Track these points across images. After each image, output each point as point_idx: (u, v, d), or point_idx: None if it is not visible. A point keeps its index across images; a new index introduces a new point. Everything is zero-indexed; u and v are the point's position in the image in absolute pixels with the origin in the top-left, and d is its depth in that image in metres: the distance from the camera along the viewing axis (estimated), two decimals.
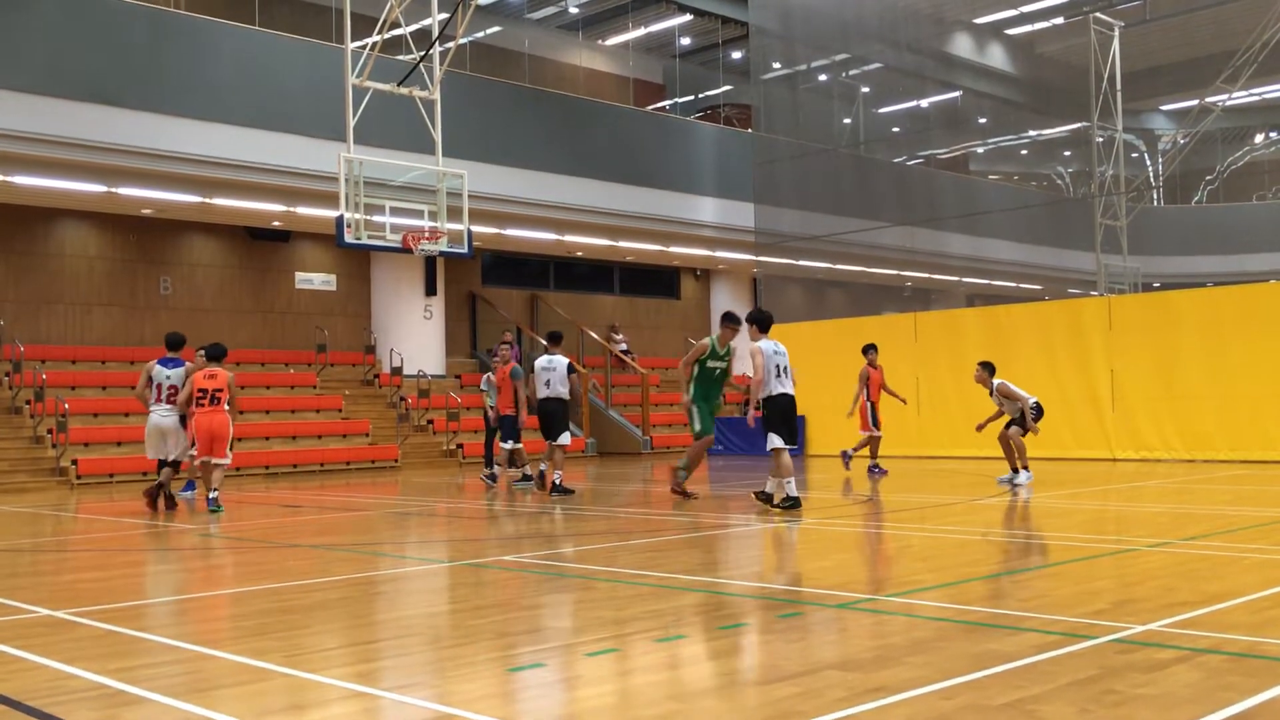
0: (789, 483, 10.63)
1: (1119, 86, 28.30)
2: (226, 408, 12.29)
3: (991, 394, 13.75)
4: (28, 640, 5.48)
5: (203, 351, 13.21)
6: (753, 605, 6.27)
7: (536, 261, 27.96)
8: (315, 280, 24.45)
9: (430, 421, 22.98)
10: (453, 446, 22.39)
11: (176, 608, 6.61)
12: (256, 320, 23.56)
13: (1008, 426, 13.60)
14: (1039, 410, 13.52)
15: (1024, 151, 38.55)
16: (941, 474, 16.30)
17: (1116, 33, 27.96)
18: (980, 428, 14.57)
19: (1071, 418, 19.04)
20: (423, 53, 16.10)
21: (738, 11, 28.29)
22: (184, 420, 12.43)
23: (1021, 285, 33.10)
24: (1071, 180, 37.54)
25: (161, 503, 12.38)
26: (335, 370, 23.85)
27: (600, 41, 30.43)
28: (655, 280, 30.63)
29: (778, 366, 10.74)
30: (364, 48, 15.73)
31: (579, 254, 27.59)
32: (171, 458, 12.41)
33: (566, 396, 13.73)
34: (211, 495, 12.11)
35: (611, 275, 29.78)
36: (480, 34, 26.05)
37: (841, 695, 4.18)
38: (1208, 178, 38.18)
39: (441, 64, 16.02)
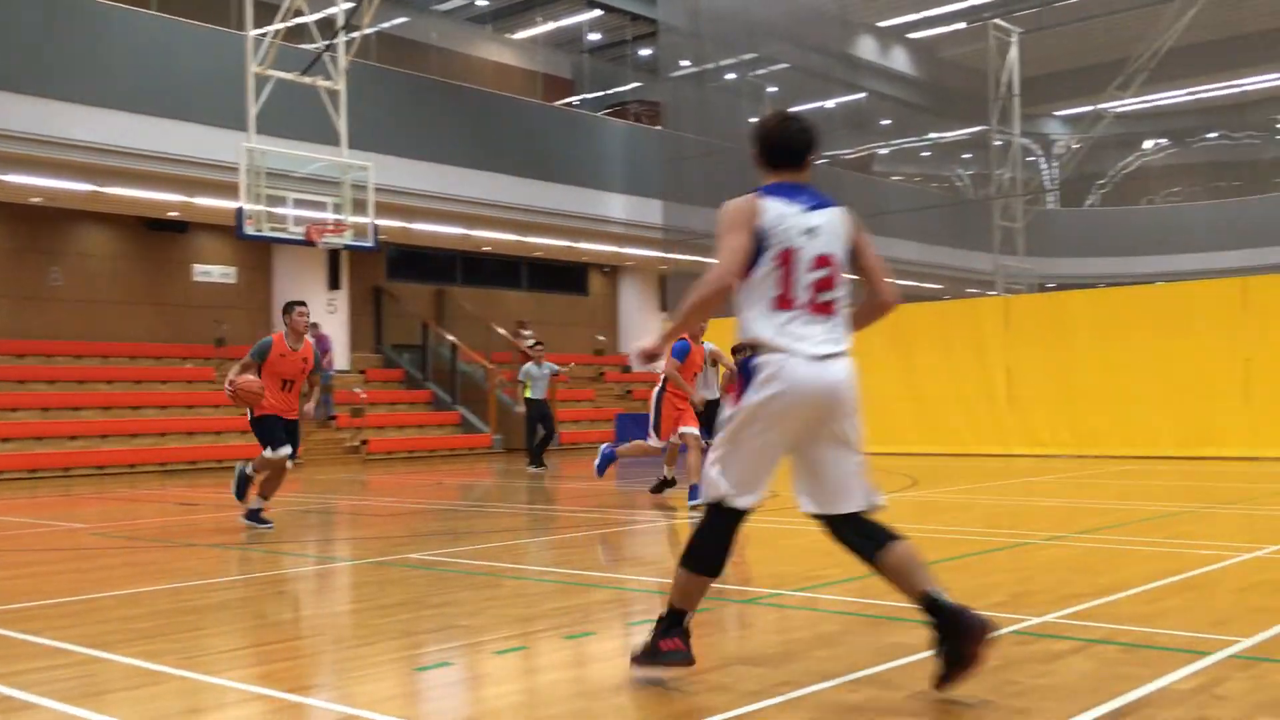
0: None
1: (1017, 91, 29.04)
2: None
3: None
4: None
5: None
6: (660, 601, 6.27)
7: (443, 256, 27.66)
8: (214, 272, 23.85)
9: (333, 417, 22.60)
10: (357, 443, 22.05)
11: (68, 609, 6.38)
12: (151, 313, 22.89)
13: None
14: None
15: (925, 153, 39.30)
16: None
17: (1015, 39, 28.68)
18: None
19: (969, 414, 19.48)
20: (327, 42, 15.82)
21: (647, 8, 28.34)
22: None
23: (923, 285, 33.76)
24: (971, 182, 38.41)
25: None
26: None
27: (508, 35, 30.22)
28: (563, 276, 30.53)
29: None
30: (265, 35, 15.39)
31: (487, 249, 27.36)
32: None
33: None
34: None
35: (519, 271, 29.61)
36: (386, 24, 25.68)
37: (753, 689, 4.20)
38: (1099, 182, 39.40)
39: (346, 53, 15.76)
